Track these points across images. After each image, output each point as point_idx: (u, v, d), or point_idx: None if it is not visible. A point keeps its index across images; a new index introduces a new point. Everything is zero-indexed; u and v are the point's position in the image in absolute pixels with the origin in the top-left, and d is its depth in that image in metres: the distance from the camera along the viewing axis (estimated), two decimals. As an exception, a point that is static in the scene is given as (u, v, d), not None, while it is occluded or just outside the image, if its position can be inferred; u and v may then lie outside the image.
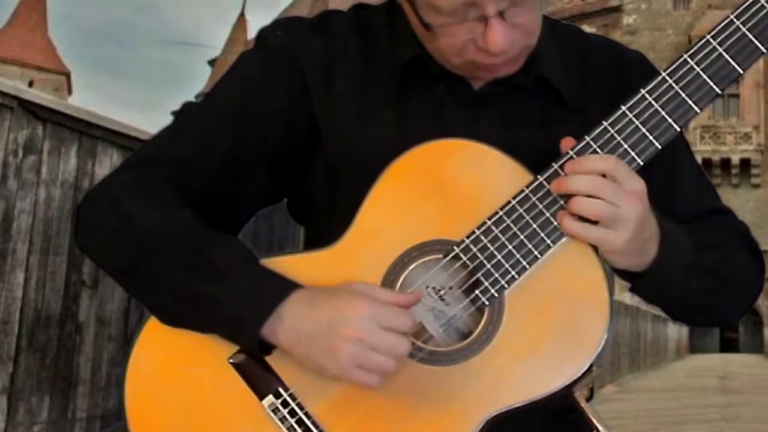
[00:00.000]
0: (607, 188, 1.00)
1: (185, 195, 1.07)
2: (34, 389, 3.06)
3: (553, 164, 1.03)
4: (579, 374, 1.01)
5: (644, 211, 1.01)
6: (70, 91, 51.14)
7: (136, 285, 1.08)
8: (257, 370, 1.02)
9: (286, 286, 1.00)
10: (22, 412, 3.00)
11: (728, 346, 38.31)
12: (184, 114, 1.17)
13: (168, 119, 1.21)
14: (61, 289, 3.21)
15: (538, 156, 1.03)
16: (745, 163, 38.14)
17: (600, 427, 1.04)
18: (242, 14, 52.92)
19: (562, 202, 1.02)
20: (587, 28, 1.36)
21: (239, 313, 0.99)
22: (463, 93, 1.11)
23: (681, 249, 1.07)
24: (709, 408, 9.74)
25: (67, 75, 51.63)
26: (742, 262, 1.15)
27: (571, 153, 1.03)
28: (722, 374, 17.86)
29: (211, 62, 55.36)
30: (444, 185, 1.04)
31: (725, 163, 37.79)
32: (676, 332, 30.50)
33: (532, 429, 1.05)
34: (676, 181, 1.17)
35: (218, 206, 1.11)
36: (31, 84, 39.71)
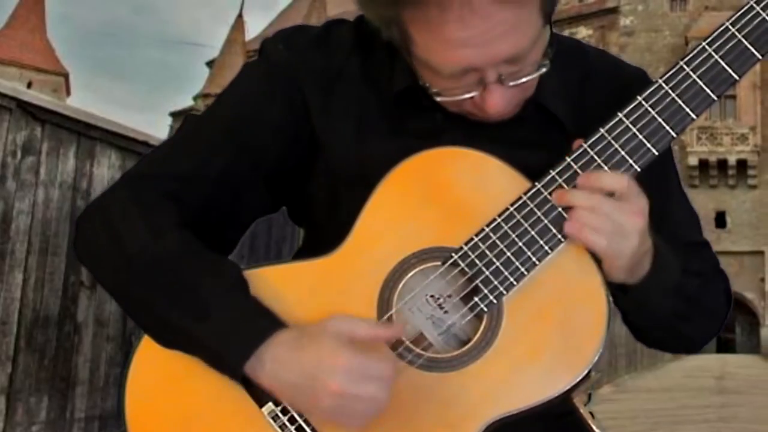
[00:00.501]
0: (604, 206, 1.00)
1: (181, 211, 1.07)
2: (32, 389, 3.06)
3: (551, 171, 1.03)
4: (577, 380, 1.01)
5: (645, 227, 1.02)
6: (68, 92, 51.11)
7: (127, 304, 1.09)
8: None
9: (267, 327, 0.99)
10: (20, 413, 3.00)
11: (725, 346, 38.30)
12: (184, 127, 1.16)
13: (166, 120, 1.22)
14: (60, 289, 3.21)
15: (537, 177, 1.03)
16: (742, 164, 38.16)
17: (597, 432, 1.05)
18: (240, 15, 52.93)
19: (560, 209, 1.02)
20: (584, 30, 1.35)
21: (220, 352, 1.00)
22: (460, 116, 1.10)
23: (670, 269, 1.08)
24: (706, 408, 9.73)
25: (66, 76, 51.57)
26: (717, 295, 1.18)
27: (568, 160, 1.03)
28: (719, 374, 17.84)
29: (209, 63, 55.29)
30: (443, 192, 1.04)
31: (722, 164, 37.79)
32: (673, 333, 30.35)
33: (530, 432, 1.06)
34: (668, 208, 1.17)
35: (216, 220, 1.11)
36: (29, 85, 39.70)
